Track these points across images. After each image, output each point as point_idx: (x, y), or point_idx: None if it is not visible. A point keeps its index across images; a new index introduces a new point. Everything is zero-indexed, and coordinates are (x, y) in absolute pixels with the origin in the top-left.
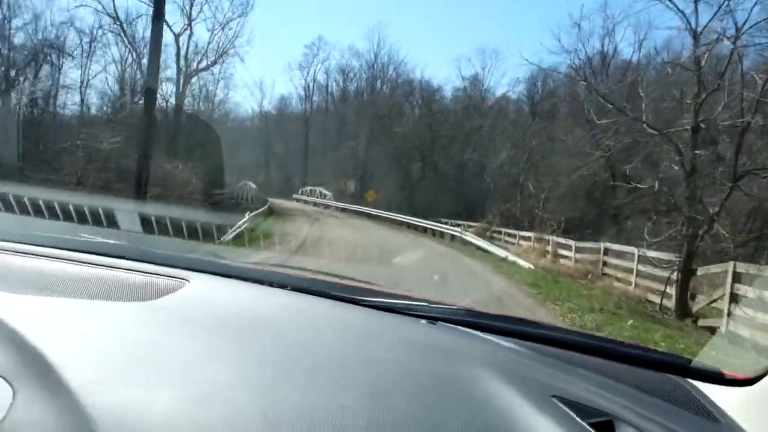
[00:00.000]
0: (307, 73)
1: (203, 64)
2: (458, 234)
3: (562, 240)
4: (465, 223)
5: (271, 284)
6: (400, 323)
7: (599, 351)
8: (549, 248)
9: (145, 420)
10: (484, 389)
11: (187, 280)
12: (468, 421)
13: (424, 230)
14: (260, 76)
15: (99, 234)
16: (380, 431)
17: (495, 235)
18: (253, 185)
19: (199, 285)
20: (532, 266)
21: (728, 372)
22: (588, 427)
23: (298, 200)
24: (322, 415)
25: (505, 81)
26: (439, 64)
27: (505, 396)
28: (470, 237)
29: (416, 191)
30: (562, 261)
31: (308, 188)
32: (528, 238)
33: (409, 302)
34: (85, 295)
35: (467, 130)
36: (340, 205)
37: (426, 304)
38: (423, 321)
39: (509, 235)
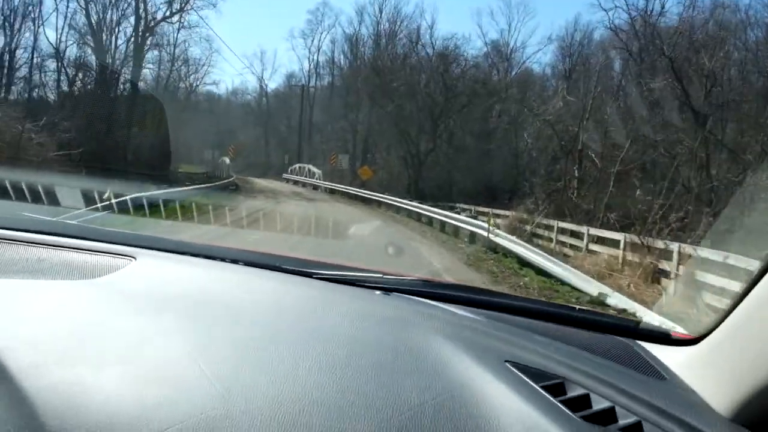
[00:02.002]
0: (312, 41)
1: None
2: (483, 232)
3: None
4: (489, 210)
5: (222, 260)
6: (355, 294)
7: (553, 317)
8: (674, 268)
9: (89, 400)
10: (439, 357)
11: (133, 257)
12: (422, 389)
13: (431, 222)
14: (260, 46)
15: (39, 212)
16: (335, 402)
17: (539, 231)
18: (227, 161)
19: (146, 262)
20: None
21: (675, 332)
22: (540, 390)
23: (287, 180)
24: (275, 387)
25: (535, 40)
26: (458, 19)
27: (460, 363)
28: (503, 238)
29: (424, 169)
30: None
31: (297, 166)
32: (610, 243)
33: (364, 274)
34: (24, 275)
35: (490, 91)
36: (330, 185)
37: (380, 275)
38: (377, 292)
39: (567, 233)
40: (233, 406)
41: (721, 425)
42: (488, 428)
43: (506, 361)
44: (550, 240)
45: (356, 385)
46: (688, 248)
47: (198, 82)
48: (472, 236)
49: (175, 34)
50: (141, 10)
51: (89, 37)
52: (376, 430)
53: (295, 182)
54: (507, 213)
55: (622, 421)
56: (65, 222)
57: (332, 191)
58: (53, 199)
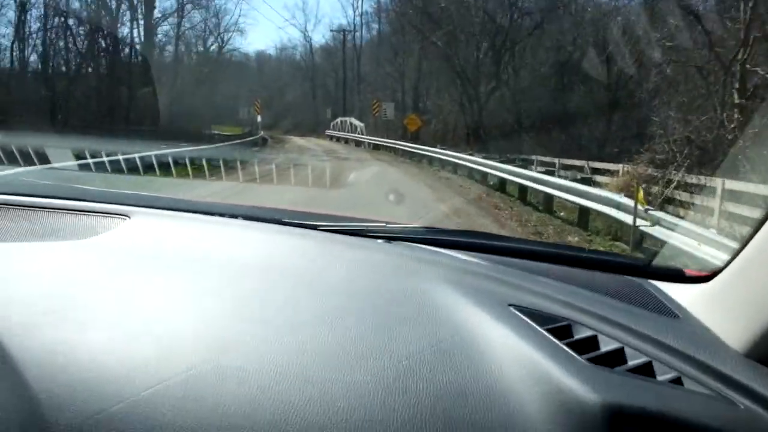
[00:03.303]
0: None
1: None
2: (614, 212)
3: None
4: (585, 164)
5: (221, 215)
6: (357, 244)
7: (559, 258)
8: None
9: (76, 359)
10: (440, 303)
11: (127, 216)
12: (421, 336)
13: (504, 187)
14: None
15: (31, 174)
16: (331, 351)
17: (677, 196)
18: (258, 119)
19: (140, 220)
20: None
21: (689, 270)
22: (545, 333)
23: (331, 137)
24: (269, 340)
25: None
26: None
27: (462, 308)
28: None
29: (486, 114)
30: None
31: (339, 120)
32: None
33: (366, 224)
34: (15, 238)
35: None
36: (374, 140)
37: (384, 224)
38: (380, 240)
39: (743, 198)
40: (225, 360)
41: (734, 361)
42: (489, 373)
43: (510, 305)
44: (709, 212)
45: (354, 334)
46: None
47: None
48: (580, 213)
49: None
50: None
51: None
52: (373, 379)
53: (338, 139)
54: (611, 167)
55: (632, 362)
56: (57, 184)
57: (376, 146)
58: (45, 160)
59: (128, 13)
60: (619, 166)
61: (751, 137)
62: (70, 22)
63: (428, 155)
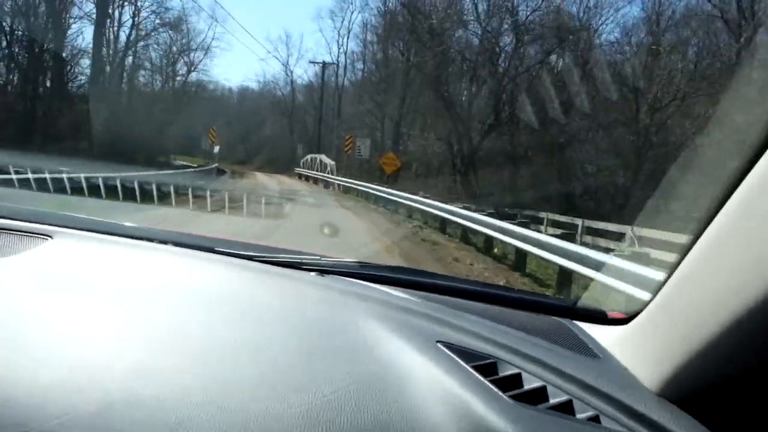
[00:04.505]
0: (342, 21)
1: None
2: None
3: None
4: (629, 231)
5: (150, 240)
6: (288, 275)
7: (490, 298)
8: None
9: None
10: (369, 337)
11: (50, 236)
12: (349, 370)
13: (521, 264)
14: (285, 29)
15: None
16: (255, 383)
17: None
18: (216, 149)
19: (63, 241)
20: None
21: (611, 312)
22: (471, 370)
23: (299, 175)
24: (190, 370)
25: None
26: None
27: (390, 343)
28: None
29: (480, 156)
30: None
31: (309, 157)
32: None
33: (300, 257)
34: None
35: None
36: (344, 181)
37: (318, 258)
38: (312, 273)
39: None
40: (140, 389)
41: (649, 400)
42: (414, 409)
43: (438, 341)
44: None
45: (281, 365)
46: None
47: (195, 59)
48: None
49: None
50: None
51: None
52: (295, 411)
53: (306, 177)
54: (654, 234)
55: (553, 400)
56: None
57: (347, 189)
58: None
59: (76, 25)
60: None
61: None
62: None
63: (407, 204)
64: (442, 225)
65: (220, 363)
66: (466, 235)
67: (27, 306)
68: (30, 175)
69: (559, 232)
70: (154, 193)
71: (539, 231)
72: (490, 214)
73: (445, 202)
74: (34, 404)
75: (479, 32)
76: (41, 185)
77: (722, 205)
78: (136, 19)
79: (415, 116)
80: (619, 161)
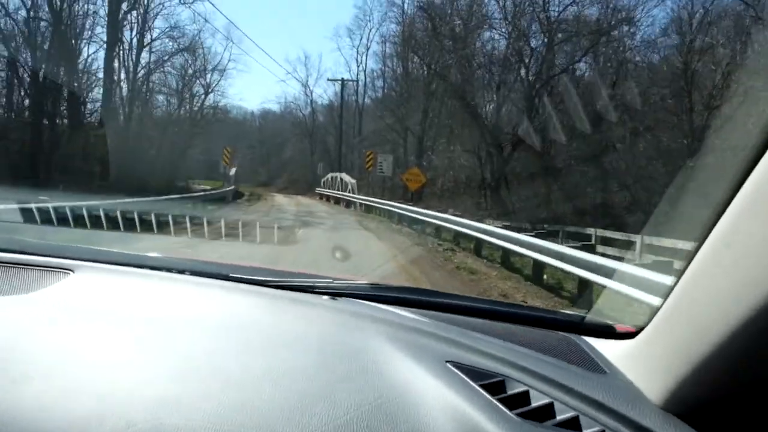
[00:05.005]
0: (360, 39)
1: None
2: None
3: None
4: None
5: (168, 270)
6: (302, 300)
7: (498, 315)
8: None
9: (10, 416)
10: (381, 359)
11: (72, 271)
12: (361, 392)
13: (581, 288)
14: (303, 49)
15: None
16: (273, 407)
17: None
18: (231, 172)
19: (85, 275)
20: None
21: (620, 326)
22: (479, 389)
23: (320, 195)
24: (212, 398)
25: None
26: None
27: (401, 364)
28: None
29: (511, 169)
30: None
31: (329, 176)
32: None
33: (312, 280)
34: None
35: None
36: (366, 200)
37: (330, 280)
38: (325, 297)
39: None
40: (164, 418)
41: (654, 416)
42: (425, 429)
43: (447, 361)
44: None
45: (296, 391)
46: None
47: (211, 80)
48: None
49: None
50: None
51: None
52: None
53: (327, 198)
54: None
55: (560, 417)
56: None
57: (369, 208)
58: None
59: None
60: None
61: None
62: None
63: (435, 223)
64: (477, 247)
65: (238, 390)
66: (507, 259)
67: (53, 340)
68: (33, 205)
69: (611, 251)
70: (154, 223)
71: (592, 251)
72: (538, 234)
73: (480, 220)
74: None
75: (507, 33)
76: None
77: (725, 209)
78: (147, 39)
79: (439, 129)
80: (666, 168)
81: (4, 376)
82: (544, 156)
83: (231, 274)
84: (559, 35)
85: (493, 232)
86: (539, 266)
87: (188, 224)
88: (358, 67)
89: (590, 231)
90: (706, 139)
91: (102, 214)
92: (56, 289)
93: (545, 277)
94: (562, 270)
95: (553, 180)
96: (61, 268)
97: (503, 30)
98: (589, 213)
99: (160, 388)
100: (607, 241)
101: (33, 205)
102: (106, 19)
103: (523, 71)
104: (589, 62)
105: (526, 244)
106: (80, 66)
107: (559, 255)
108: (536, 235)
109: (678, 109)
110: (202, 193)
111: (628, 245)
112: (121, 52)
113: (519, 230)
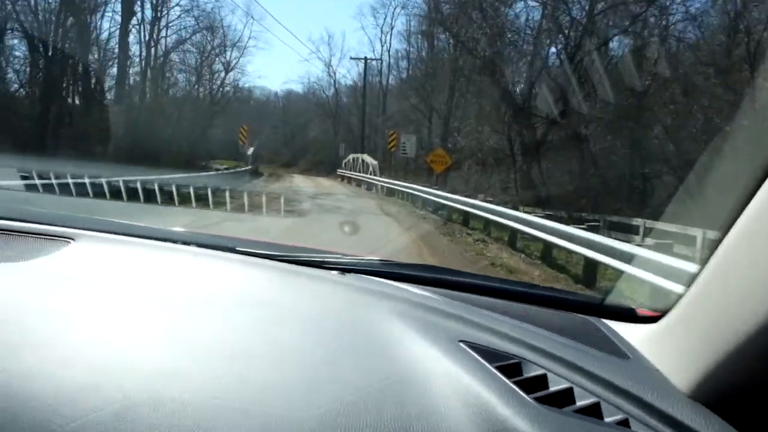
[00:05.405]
0: (384, 18)
1: None
2: None
3: None
4: None
5: (174, 242)
6: (311, 274)
7: (514, 295)
8: None
9: (4, 385)
10: (391, 337)
11: (72, 239)
12: (369, 371)
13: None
14: (326, 28)
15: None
16: (276, 385)
17: None
18: (249, 151)
19: (85, 244)
20: None
21: (640, 309)
22: (494, 370)
23: (342, 178)
24: (210, 371)
25: None
26: None
27: (411, 343)
28: None
29: (545, 152)
30: None
31: (351, 158)
32: None
33: (322, 255)
34: None
35: None
36: (388, 183)
37: (339, 256)
38: (334, 272)
39: None
40: (161, 390)
41: (680, 403)
42: (435, 411)
43: (460, 341)
44: None
45: (302, 368)
46: None
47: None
48: None
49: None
50: None
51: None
52: (317, 414)
53: (349, 179)
54: None
55: (580, 402)
56: None
57: (391, 191)
58: None
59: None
60: None
61: None
62: (30, 38)
63: (463, 209)
64: (512, 238)
65: (241, 365)
66: (548, 254)
67: (51, 309)
68: (54, 181)
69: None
70: (157, 195)
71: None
72: (589, 227)
73: (515, 207)
74: (57, 405)
75: (542, 1)
76: (64, 189)
77: (754, 193)
78: (163, 15)
79: (465, 109)
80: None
81: (4, 344)
82: (580, 137)
83: (237, 248)
84: (601, 3)
85: (534, 223)
86: (591, 265)
87: (175, 200)
88: (382, 47)
89: (637, 222)
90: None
91: (87, 183)
92: (56, 257)
93: (598, 279)
94: (618, 270)
95: (591, 164)
96: (61, 237)
97: None
98: (630, 200)
99: (158, 360)
100: (661, 235)
101: (36, 179)
102: None
103: (559, 44)
104: (634, 33)
105: (576, 239)
106: (98, 42)
107: (619, 254)
108: (588, 228)
109: (733, 86)
110: (213, 173)
111: (688, 241)
112: (140, 28)
113: (557, 219)
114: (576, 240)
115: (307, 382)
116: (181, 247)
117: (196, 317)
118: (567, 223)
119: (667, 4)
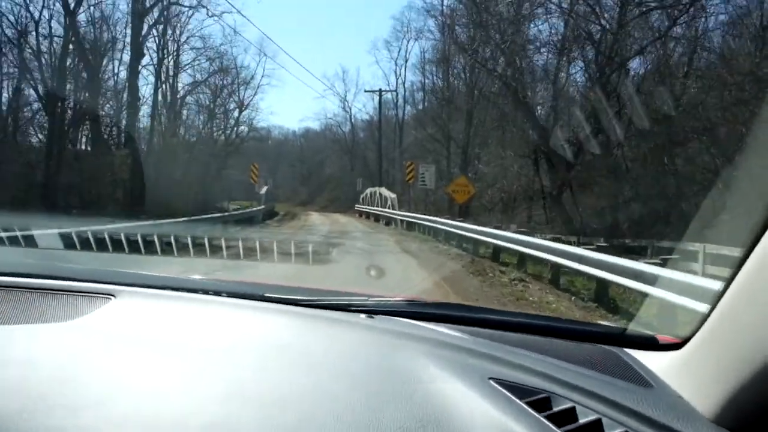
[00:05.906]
0: (398, 50)
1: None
2: None
3: None
4: None
5: (206, 292)
6: (339, 319)
7: (538, 329)
8: None
9: None
10: (423, 378)
11: (113, 296)
12: (404, 414)
13: None
14: (341, 64)
15: (15, 254)
16: (314, 428)
17: None
18: (262, 190)
19: (126, 300)
20: None
21: (662, 337)
22: (524, 406)
23: (360, 213)
24: (261, 417)
25: None
26: None
27: (443, 382)
28: None
29: (578, 175)
30: None
31: (368, 192)
32: None
33: (348, 298)
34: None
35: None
36: (407, 216)
37: (365, 298)
38: (362, 315)
39: None
40: None
41: (705, 429)
42: None
43: (490, 378)
44: None
45: (336, 411)
46: None
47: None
48: None
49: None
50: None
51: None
52: None
53: (367, 215)
54: None
55: None
56: (41, 263)
57: (411, 225)
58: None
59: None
60: None
61: None
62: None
63: (492, 242)
64: (555, 275)
65: (286, 412)
66: (604, 293)
67: (101, 367)
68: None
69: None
70: (157, 246)
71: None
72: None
73: (556, 239)
74: None
75: (567, 11)
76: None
77: None
78: (173, 54)
79: (485, 135)
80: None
81: (62, 405)
82: (615, 158)
83: (266, 294)
84: (635, 11)
85: (586, 258)
86: (667, 308)
87: (191, 249)
88: (396, 79)
89: (695, 246)
90: None
91: (90, 237)
92: (99, 314)
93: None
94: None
95: (628, 186)
96: (102, 293)
97: (564, 5)
98: (678, 223)
99: (206, 412)
100: (720, 259)
101: (54, 230)
102: (130, 32)
103: (589, 56)
104: (670, 45)
105: (641, 276)
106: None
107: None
108: (657, 262)
109: None
110: (219, 215)
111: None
112: (154, 70)
113: (605, 250)
114: (641, 278)
115: (346, 427)
116: (212, 297)
117: (234, 368)
118: (616, 254)
119: (697, 16)
